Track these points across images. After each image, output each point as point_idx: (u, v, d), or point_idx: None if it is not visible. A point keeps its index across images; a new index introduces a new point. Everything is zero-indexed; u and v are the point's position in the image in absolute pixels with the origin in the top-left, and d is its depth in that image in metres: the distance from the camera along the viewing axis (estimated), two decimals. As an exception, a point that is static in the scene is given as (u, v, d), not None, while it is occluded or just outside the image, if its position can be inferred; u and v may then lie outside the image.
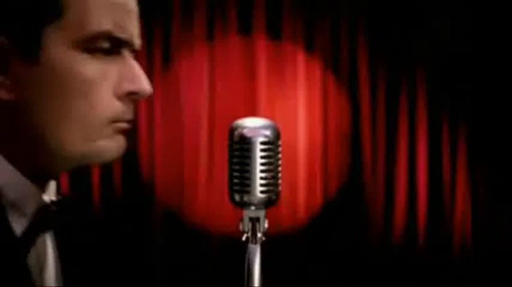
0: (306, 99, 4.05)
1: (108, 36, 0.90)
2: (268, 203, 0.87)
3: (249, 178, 0.86)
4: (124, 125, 0.93)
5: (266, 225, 0.87)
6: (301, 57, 4.06)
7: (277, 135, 0.87)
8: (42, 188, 0.95)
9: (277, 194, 0.88)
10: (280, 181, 0.88)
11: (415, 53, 4.04)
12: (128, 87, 0.92)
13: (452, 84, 4.03)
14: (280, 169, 0.88)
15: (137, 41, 0.94)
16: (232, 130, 0.87)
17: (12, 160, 0.91)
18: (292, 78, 4.06)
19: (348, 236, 4.03)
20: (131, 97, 0.93)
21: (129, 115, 0.93)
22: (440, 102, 4.06)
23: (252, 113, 3.91)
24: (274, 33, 4.05)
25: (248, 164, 0.85)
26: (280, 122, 4.27)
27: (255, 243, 0.86)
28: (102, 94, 0.90)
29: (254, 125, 0.86)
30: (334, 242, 4.02)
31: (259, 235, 0.86)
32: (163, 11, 3.92)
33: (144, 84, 0.92)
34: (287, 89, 4.05)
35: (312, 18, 4.05)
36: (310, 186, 4.08)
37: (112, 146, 0.93)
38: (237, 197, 0.87)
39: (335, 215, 4.05)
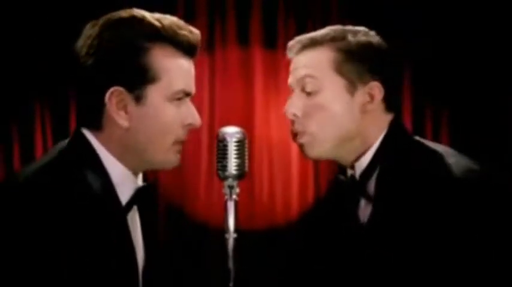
0: (299, 103, 4.15)
1: (183, 91, 1.48)
2: (239, 177, 1.39)
3: (227, 162, 1.37)
4: (181, 147, 1.50)
5: (238, 190, 1.38)
6: (294, 65, 4.18)
7: (245, 137, 1.41)
8: (136, 177, 1.50)
9: (245, 171, 1.40)
10: (246, 164, 1.39)
11: (400, 54, 4.08)
12: (189, 121, 1.48)
13: (436, 83, 4.05)
14: (246, 156, 1.39)
15: (194, 91, 1.52)
16: (218, 134, 1.41)
17: (120, 159, 1.44)
18: (286, 84, 4.14)
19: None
20: (189, 126, 1.50)
21: (185, 136, 1.48)
22: (424, 102, 4.10)
23: (249, 115, 4.00)
24: (270, 43, 4.11)
25: (227, 154, 1.37)
26: (275, 124, 4.48)
27: (231, 201, 1.37)
28: (175, 125, 1.45)
29: (231, 131, 1.39)
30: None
31: (233, 196, 1.37)
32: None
33: (198, 119, 1.51)
34: (282, 94, 4.05)
35: (305, 29, 3.84)
36: (303, 183, 4.14)
37: (173, 159, 1.49)
38: (220, 174, 1.39)
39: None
